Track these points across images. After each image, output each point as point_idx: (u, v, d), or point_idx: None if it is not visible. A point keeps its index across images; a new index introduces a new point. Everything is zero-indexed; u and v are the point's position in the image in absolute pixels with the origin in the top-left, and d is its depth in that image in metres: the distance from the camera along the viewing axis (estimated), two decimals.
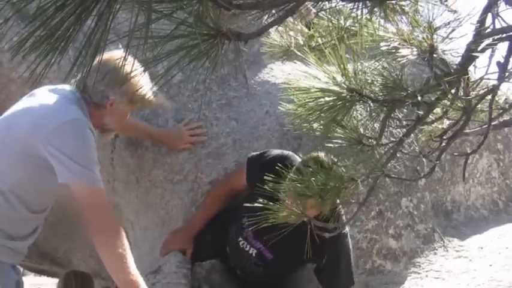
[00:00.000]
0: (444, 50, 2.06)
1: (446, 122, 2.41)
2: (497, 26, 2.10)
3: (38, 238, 4.27)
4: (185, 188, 3.55)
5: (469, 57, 1.99)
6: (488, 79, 2.27)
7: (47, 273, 5.12)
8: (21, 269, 4.79)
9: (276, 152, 3.21)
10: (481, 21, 2.08)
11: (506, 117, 2.85)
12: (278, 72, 3.96)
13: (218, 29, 1.40)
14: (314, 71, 2.31)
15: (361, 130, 2.20)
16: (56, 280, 5.59)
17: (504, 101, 2.77)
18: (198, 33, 1.39)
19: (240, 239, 3.15)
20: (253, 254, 3.13)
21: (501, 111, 2.61)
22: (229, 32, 1.40)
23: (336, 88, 1.90)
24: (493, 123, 2.46)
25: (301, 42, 3.18)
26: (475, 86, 2.30)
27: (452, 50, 2.21)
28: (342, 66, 1.90)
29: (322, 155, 2.49)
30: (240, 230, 3.15)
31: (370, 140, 2.21)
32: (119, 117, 2.97)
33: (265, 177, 2.40)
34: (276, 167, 2.53)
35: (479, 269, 3.54)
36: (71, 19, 1.25)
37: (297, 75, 3.90)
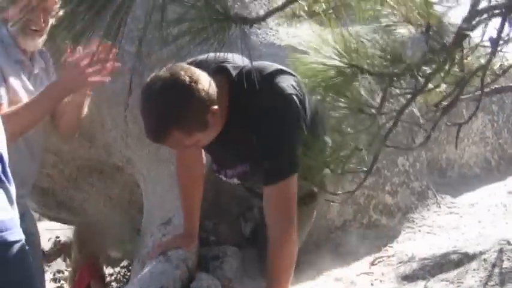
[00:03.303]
0: (440, 27, 2.09)
1: (442, 91, 2.45)
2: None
3: (55, 189, 4.36)
4: None
5: (461, 35, 2.02)
6: (484, 46, 2.30)
7: (64, 221, 5.20)
8: (38, 216, 4.90)
9: None
10: None
11: (498, 86, 2.89)
12: (283, 35, 3.96)
13: (225, 14, 1.43)
14: (317, 39, 2.34)
15: (364, 98, 2.23)
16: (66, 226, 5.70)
17: (499, 67, 2.78)
18: (207, 17, 1.42)
19: (224, 178, 2.83)
20: (237, 180, 2.78)
21: (495, 77, 2.64)
22: (236, 16, 1.44)
23: (337, 63, 1.94)
24: (486, 90, 2.50)
25: (306, 8, 3.19)
26: (469, 53, 2.33)
27: (449, 23, 2.24)
28: (342, 43, 1.93)
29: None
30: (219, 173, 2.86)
31: (371, 109, 2.24)
32: None
33: None
34: None
35: (468, 225, 3.61)
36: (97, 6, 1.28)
37: (301, 38, 3.92)
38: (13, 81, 2.71)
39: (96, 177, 4.39)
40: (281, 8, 1.49)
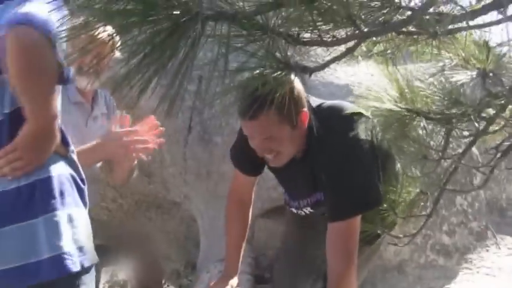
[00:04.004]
0: (499, 69, 2.09)
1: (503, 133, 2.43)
2: None
3: (114, 223, 4.45)
4: None
5: None
6: None
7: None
8: None
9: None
10: None
11: None
12: (341, 74, 4.00)
13: (286, 62, 1.47)
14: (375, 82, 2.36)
15: (426, 142, 2.24)
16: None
17: None
18: (268, 66, 1.47)
19: (294, 210, 2.84)
20: (310, 209, 2.75)
21: None
22: (296, 65, 1.48)
23: (396, 108, 1.96)
24: None
25: (364, 48, 3.22)
26: None
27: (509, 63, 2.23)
28: (400, 86, 1.96)
29: None
30: (289, 205, 2.87)
31: (434, 154, 2.25)
32: None
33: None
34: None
35: None
36: (168, 51, 1.35)
37: (359, 77, 3.94)
38: (65, 122, 2.79)
39: (154, 212, 4.47)
40: (340, 57, 1.52)
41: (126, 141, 2.70)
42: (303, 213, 2.80)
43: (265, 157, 2.52)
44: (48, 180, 1.93)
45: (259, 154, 2.53)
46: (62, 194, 1.95)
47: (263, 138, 2.44)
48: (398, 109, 1.97)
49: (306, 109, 2.43)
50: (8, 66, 1.80)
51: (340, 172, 2.44)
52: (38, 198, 1.91)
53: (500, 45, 2.13)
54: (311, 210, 2.75)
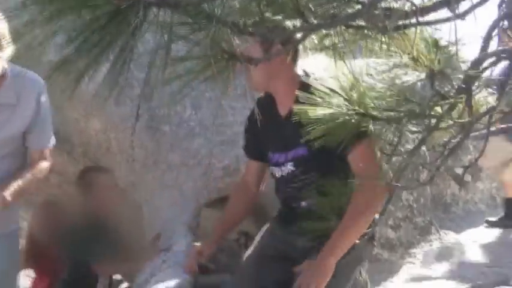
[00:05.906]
0: (448, 68, 2.07)
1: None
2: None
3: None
4: (199, 172, 3.58)
5: (469, 79, 2.00)
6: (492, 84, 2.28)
7: None
8: None
9: None
10: (486, 38, 2.08)
11: (504, 125, 2.86)
12: None
13: (231, 53, 1.43)
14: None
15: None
16: None
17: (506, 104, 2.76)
18: (212, 55, 1.42)
19: (274, 171, 2.76)
20: (291, 166, 2.68)
21: (502, 115, 2.61)
22: (241, 55, 1.43)
23: (344, 110, 1.93)
24: (492, 129, 2.47)
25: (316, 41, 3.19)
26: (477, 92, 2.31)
27: (459, 61, 2.22)
28: (347, 91, 1.94)
29: None
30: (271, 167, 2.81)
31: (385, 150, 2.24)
32: None
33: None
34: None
35: (470, 262, 3.58)
36: (108, 37, 1.29)
37: (310, 69, 3.90)
38: None
39: None
40: (282, 52, 1.48)
41: None
42: (282, 173, 2.71)
43: None
44: None
45: None
46: None
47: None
48: (349, 112, 1.94)
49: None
50: None
51: None
52: None
53: (449, 44, 2.11)
54: (292, 169, 2.67)
